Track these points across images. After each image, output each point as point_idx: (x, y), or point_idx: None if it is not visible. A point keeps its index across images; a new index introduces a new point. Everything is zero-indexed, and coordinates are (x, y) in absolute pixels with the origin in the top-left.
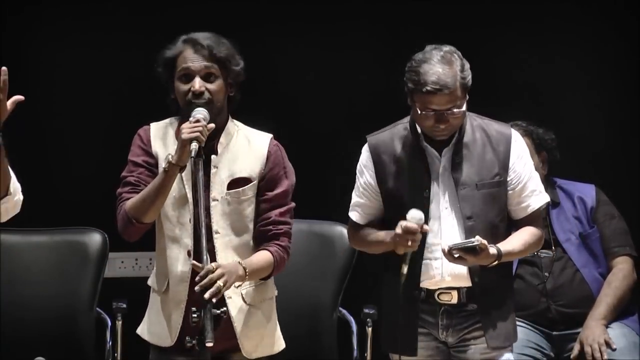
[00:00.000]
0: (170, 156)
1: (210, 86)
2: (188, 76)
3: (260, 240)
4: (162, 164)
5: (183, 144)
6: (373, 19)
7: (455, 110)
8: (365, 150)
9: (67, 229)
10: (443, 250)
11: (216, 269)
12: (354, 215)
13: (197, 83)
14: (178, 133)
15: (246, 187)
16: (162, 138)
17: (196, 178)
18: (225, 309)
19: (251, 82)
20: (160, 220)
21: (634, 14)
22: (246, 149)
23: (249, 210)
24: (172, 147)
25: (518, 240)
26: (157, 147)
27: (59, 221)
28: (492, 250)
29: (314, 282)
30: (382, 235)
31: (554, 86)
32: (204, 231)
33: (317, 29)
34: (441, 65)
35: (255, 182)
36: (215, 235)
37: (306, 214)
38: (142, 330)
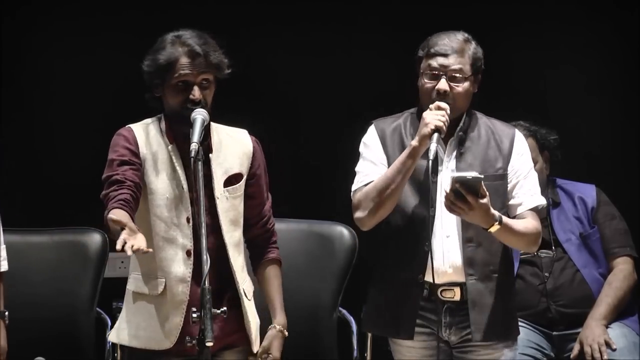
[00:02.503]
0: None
1: (205, 92)
2: (186, 83)
3: (258, 241)
4: (149, 168)
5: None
6: (374, 21)
7: (458, 75)
8: (371, 130)
9: (67, 229)
10: (445, 191)
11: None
12: (366, 178)
13: (197, 92)
14: (169, 133)
15: (240, 183)
16: (146, 139)
17: (197, 177)
18: (225, 308)
19: (252, 82)
20: (149, 222)
21: (634, 16)
22: (234, 145)
23: (241, 206)
24: (157, 148)
25: (519, 222)
26: (143, 148)
27: (59, 221)
28: (493, 211)
29: (314, 282)
30: (399, 157)
31: (555, 87)
32: (203, 231)
33: (316, 30)
34: (455, 37)
35: (245, 177)
36: (224, 235)
37: (306, 214)
38: (122, 337)
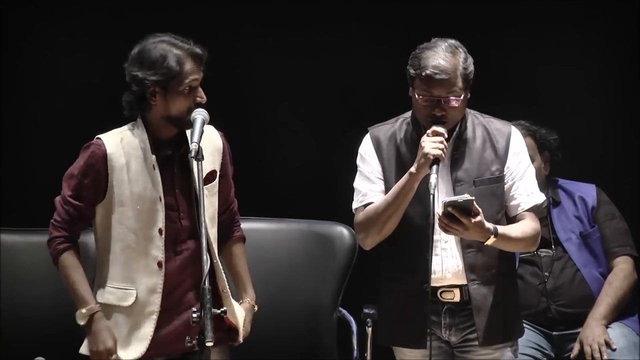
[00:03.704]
0: (89, 310)
1: None
2: (191, 87)
3: (224, 223)
4: (119, 178)
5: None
6: (370, 20)
7: (452, 98)
8: (366, 140)
9: None
10: (438, 214)
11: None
12: (365, 198)
13: (203, 93)
14: (150, 141)
15: (216, 180)
16: (119, 150)
17: (199, 177)
18: (224, 308)
19: (251, 82)
20: (119, 233)
21: (634, 16)
22: (206, 143)
23: (217, 202)
24: (130, 157)
25: (516, 227)
26: (114, 162)
27: None
28: (488, 225)
29: (314, 282)
30: (399, 182)
31: (555, 87)
32: (203, 231)
33: (314, 29)
34: (444, 53)
35: (219, 174)
36: (207, 231)
37: (306, 214)
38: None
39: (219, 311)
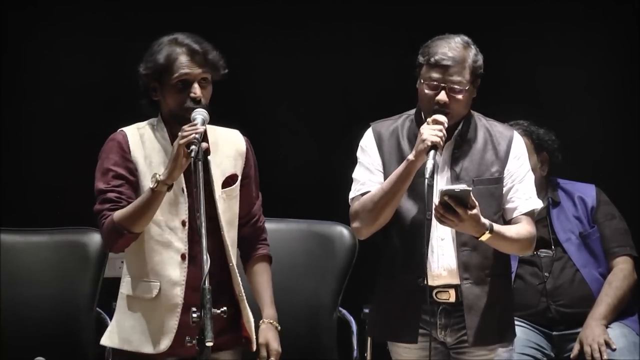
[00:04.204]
0: (157, 175)
1: (203, 92)
2: (185, 82)
3: (248, 238)
4: (143, 171)
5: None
6: (370, 20)
7: (457, 87)
8: (368, 133)
9: (67, 229)
10: (435, 204)
11: (267, 348)
12: (363, 187)
13: (198, 90)
14: (169, 136)
15: (236, 184)
16: (141, 143)
17: (197, 179)
18: (224, 308)
19: (250, 82)
20: None
21: (634, 16)
22: (228, 146)
23: (237, 206)
24: (152, 151)
25: (512, 228)
26: (136, 153)
27: (59, 221)
28: (484, 220)
29: (314, 282)
30: (396, 170)
31: (555, 87)
32: (204, 231)
33: (314, 29)
34: (455, 44)
35: (240, 178)
36: (223, 234)
37: (306, 214)
38: (115, 340)
39: (219, 311)
